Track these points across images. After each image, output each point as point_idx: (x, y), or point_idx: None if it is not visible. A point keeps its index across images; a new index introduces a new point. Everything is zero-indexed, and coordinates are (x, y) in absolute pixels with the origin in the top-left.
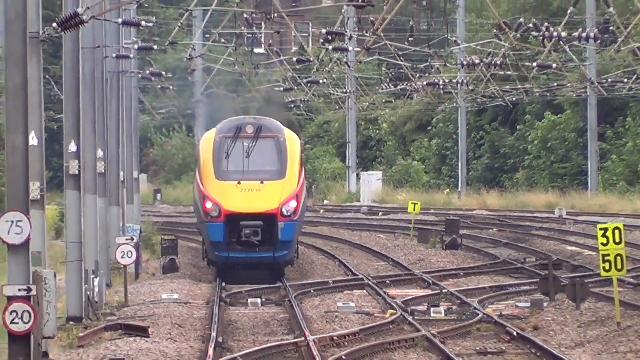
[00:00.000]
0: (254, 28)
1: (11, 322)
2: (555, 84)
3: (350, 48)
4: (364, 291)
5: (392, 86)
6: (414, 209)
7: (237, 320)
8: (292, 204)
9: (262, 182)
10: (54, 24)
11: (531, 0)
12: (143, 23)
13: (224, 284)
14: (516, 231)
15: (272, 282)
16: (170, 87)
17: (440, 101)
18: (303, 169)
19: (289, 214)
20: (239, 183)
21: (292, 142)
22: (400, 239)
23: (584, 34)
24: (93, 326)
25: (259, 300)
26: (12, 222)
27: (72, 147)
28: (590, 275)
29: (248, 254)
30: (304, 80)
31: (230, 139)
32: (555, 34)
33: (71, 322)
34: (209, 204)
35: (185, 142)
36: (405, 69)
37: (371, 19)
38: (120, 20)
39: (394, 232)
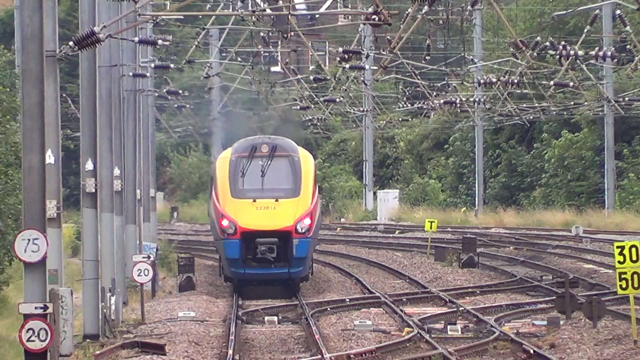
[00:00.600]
0: (271, 47)
1: (28, 340)
2: (572, 102)
3: (367, 66)
4: (381, 309)
5: (409, 105)
6: (430, 227)
7: (254, 338)
8: (307, 221)
9: (277, 200)
10: (71, 43)
11: (548, 19)
12: (160, 42)
13: (240, 302)
14: (533, 249)
15: (287, 297)
16: (187, 105)
17: (457, 120)
18: (317, 187)
19: (303, 231)
20: (254, 201)
21: (307, 161)
22: (417, 257)
23: (600, 53)
24: (110, 344)
25: (275, 318)
26: (29, 240)
27: (89, 165)
28: (607, 293)
29: (264, 270)
30: (321, 99)
31: (246, 158)
32: (572, 52)
33: (88, 340)
34: (225, 222)
35: (202, 160)
36: (422, 88)
37: (388, 37)
38: (137, 39)
39: (410, 251)
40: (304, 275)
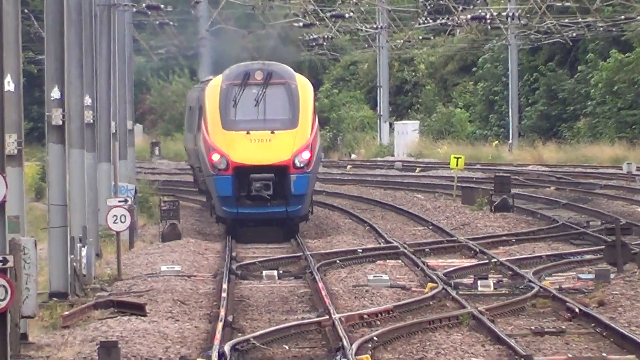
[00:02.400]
0: None
1: None
2: (622, 17)
3: None
4: (399, 261)
5: (430, 21)
6: (457, 165)
7: (250, 296)
8: (306, 155)
9: (273, 132)
10: None
11: None
12: None
13: (234, 253)
14: (577, 190)
15: (286, 240)
16: (170, 23)
17: (487, 38)
18: (316, 117)
19: (302, 165)
20: (248, 133)
21: (305, 89)
22: (442, 200)
23: None
24: (80, 303)
25: (275, 272)
26: None
27: (55, 93)
28: None
29: (259, 209)
30: (328, 14)
31: (239, 86)
32: None
33: (54, 299)
34: (215, 156)
35: (188, 87)
36: (446, 1)
37: None
38: None
39: (433, 192)
40: (303, 215)
